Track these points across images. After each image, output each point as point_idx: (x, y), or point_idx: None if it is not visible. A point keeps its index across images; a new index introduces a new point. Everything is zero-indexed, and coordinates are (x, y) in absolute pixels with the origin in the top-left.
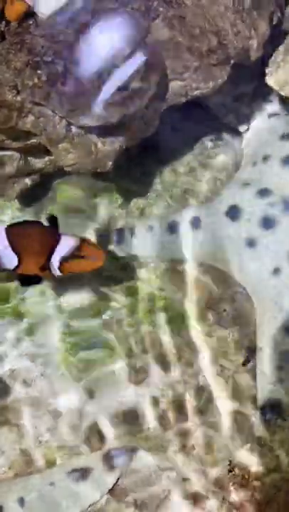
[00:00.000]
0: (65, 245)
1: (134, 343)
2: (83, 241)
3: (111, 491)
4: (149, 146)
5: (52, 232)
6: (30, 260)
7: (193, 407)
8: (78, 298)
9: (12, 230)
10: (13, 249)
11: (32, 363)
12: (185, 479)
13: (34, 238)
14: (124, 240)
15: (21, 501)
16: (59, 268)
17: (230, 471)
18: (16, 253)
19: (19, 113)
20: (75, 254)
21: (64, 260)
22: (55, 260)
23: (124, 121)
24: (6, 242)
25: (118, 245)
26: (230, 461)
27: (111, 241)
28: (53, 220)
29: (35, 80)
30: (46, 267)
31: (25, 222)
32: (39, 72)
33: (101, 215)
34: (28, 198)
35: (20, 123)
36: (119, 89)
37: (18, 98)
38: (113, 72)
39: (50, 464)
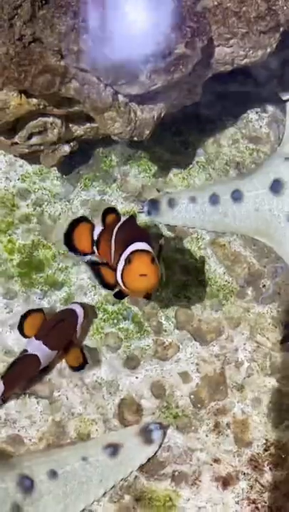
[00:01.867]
0: None
1: (164, 317)
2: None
3: (144, 466)
4: (189, 114)
5: None
6: None
7: (231, 384)
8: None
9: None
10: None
11: None
12: (216, 460)
13: None
14: (158, 211)
15: (53, 474)
16: None
17: (266, 450)
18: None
19: (62, 78)
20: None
21: None
22: None
23: (165, 88)
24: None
25: (150, 216)
26: (266, 440)
27: (142, 210)
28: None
29: (81, 45)
30: None
31: None
32: (85, 37)
33: (132, 183)
34: (66, 165)
35: (64, 89)
36: (164, 55)
37: (62, 63)
38: (158, 37)
39: (83, 437)
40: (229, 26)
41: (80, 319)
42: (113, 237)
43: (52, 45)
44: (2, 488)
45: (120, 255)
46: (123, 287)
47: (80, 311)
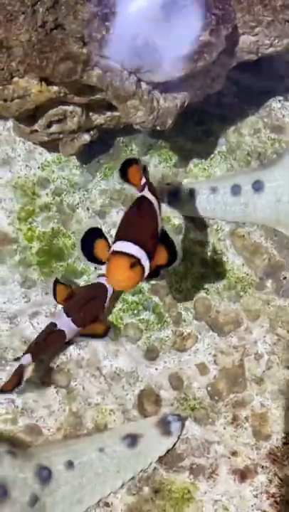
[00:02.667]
0: None
1: (183, 308)
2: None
3: (162, 458)
4: (211, 103)
5: None
6: None
7: (250, 376)
8: None
9: None
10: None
11: None
12: (234, 453)
13: None
14: (178, 200)
15: (70, 465)
16: None
17: (285, 443)
18: None
19: (84, 66)
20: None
21: None
22: None
23: (189, 76)
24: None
25: (170, 205)
26: (285, 434)
27: (162, 201)
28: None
29: (104, 33)
30: None
31: None
32: (108, 24)
33: (152, 173)
34: (86, 154)
35: (85, 76)
36: (188, 43)
37: (84, 50)
38: (182, 25)
39: (101, 427)
40: (254, 14)
41: (110, 293)
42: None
43: (74, 32)
44: (21, 479)
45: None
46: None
47: (108, 285)
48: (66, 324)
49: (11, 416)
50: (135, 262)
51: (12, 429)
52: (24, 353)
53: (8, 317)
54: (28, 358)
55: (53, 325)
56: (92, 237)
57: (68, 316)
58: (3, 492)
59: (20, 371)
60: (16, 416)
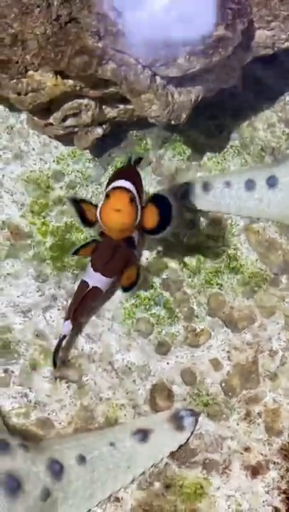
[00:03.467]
0: None
1: (196, 303)
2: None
3: (174, 453)
4: (224, 97)
5: None
6: None
7: (263, 372)
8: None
9: None
10: None
11: (98, 318)
12: (246, 449)
13: None
14: (192, 195)
15: (81, 459)
16: None
17: None
18: None
19: (100, 60)
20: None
21: None
22: None
23: (204, 70)
24: None
25: (184, 200)
26: None
27: (176, 195)
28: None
29: (119, 26)
30: None
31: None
32: (123, 18)
33: (166, 166)
34: (98, 148)
35: (100, 70)
36: (203, 37)
37: (100, 44)
38: (198, 19)
39: (112, 422)
40: (271, 8)
41: (137, 239)
42: None
43: (89, 26)
44: (34, 472)
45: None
46: (101, 224)
47: (136, 234)
48: (97, 279)
49: (24, 410)
50: (134, 198)
51: (24, 423)
52: (64, 320)
53: (22, 311)
54: (68, 325)
55: (84, 284)
56: (77, 204)
57: (96, 270)
58: (16, 485)
59: (60, 342)
60: (29, 410)
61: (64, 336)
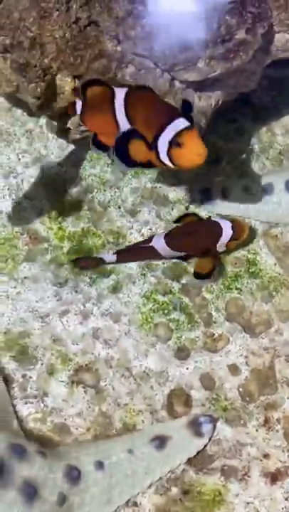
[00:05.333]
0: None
1: (214, 309)
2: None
3: (192, 459)
4: (244, 101)
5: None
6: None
7: (282, 378)
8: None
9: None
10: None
11: (115, 322)
12: (265, 455)
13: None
14: (211, 199)
15: (100, 465)
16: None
17: None
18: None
19: (119, 63)
20: (175, 141)
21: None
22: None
23: (224, 75)
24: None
25: (203, 204)
26: None
27: (194, 200)
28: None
29: (138, 30)
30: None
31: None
32: (142, 22)
33: (185, 171)
34: None
35: (120, 74)
36: (224, 41)
37: (119, 48)
38: (218, 23)
39: (130, 428)
40: None
41: (225, 237)
42: (121, 110)
43: (109, 30)
44: (51, 479)
45: (158, 136)
46: (171, 166)
47: (227, 228)
48: (159, 243)
49: (40, 415)
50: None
51: (41, 429)
52: (113, 253)
53: (40, 316)
54: (112, 257)
55: (149, 240)
56: (125, 139)
57: (165, 238)
58: (33, 492)
59: (99, 261)
60: (45, 415)
61: (103, 261)
